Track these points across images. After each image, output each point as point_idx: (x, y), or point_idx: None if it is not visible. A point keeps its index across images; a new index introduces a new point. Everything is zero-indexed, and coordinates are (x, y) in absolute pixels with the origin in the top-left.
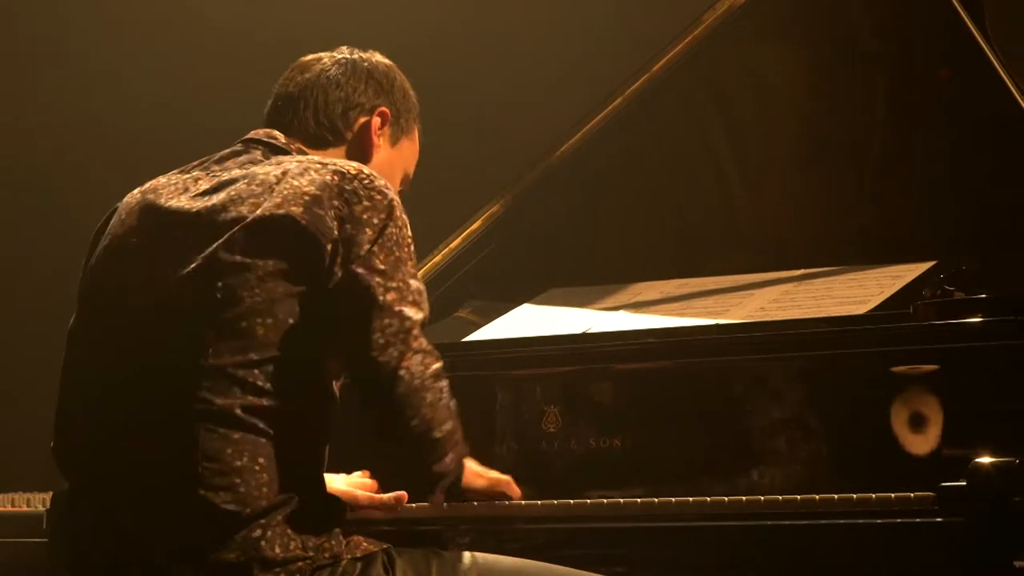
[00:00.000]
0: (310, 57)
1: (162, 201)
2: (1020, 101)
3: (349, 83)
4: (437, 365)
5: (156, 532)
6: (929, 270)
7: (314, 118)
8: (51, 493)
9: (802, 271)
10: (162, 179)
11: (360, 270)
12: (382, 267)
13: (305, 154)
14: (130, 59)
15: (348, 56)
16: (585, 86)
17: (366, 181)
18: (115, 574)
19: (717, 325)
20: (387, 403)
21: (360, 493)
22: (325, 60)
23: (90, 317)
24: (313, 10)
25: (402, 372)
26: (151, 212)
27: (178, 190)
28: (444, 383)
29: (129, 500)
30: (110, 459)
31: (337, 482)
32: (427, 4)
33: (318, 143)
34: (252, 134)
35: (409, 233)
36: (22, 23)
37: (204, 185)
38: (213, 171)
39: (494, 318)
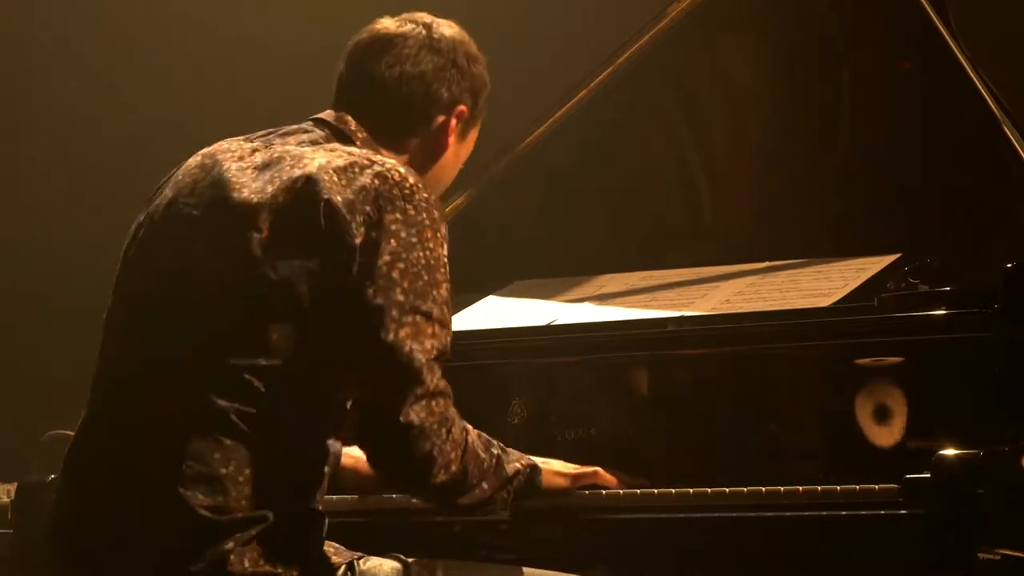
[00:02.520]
0: (391, 30)
1: (216, 169)
2: (984, 95)
3: (434, 73)
4: (442, 408)
5: (129, 527)
6: (894, 263)
7: (391, 111)
8: (15, 484)
9: (767, 264)
10: (224, 144)
11: (378, 299)
12: (400, 297)
13: (372, 145)
14: (129, 66)
15: (431, 35)
16: (551, 79)
17: (407, 191)
18: (83, 564)
19: (682, 317)
20: (383, 445)
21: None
22: (409, 40)
23: (120, 299)
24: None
25: (401, 419)
26: (204, 179)
27: (232, 156)
28: (450, 425)
29: (110, 491)
30: (100, 448)
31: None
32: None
33: (390, 136)
34: (325, 115)
35: (443, 252)
36: (20, 27)
37: (259, 152)
38: (272, 144)
39: (459, 310)
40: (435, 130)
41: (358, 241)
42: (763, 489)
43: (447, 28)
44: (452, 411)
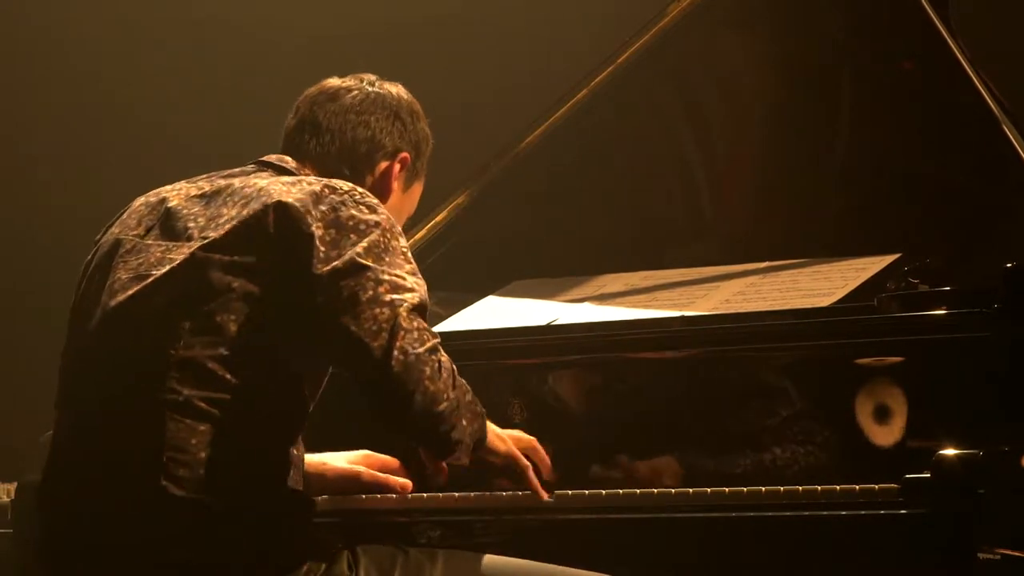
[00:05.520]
0: (336, 84)
1: (162, 205)
2: (984, 95)
3: (377, 123)
4: (433, 341)
5: (120, 523)
6: (894, 263)
7: (338, 153)
8: (15, 484)
9: (767, 263)
10: (167, 187)
11: (344, 268)
12: (369, 263)
13: None
14: (128, 66)
15: (377, 90)
16: (551, 79)
17: (356, 196)
18: (80, 566)
19: (682, 317)
20: (387, 386)
21: (364, 470)
22: (354, 91)
23: (79, 313)
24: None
25: (395, 352)
26: (150, 213)
27: (179, 194)
28: (440, 355)
29: (95, 490)
30: (78, 449)
31: (338, 460)
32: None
33: (336, 177)
34: (266, 158)
35: (403, 244)
36: (24, 29)
37: (205, 187)
38: (215, 181)
39: (459, 310)
40: (379, 176)
41: (320, 233)
42: (763, 489)
43: (392, 86)
44: (439, 346)
